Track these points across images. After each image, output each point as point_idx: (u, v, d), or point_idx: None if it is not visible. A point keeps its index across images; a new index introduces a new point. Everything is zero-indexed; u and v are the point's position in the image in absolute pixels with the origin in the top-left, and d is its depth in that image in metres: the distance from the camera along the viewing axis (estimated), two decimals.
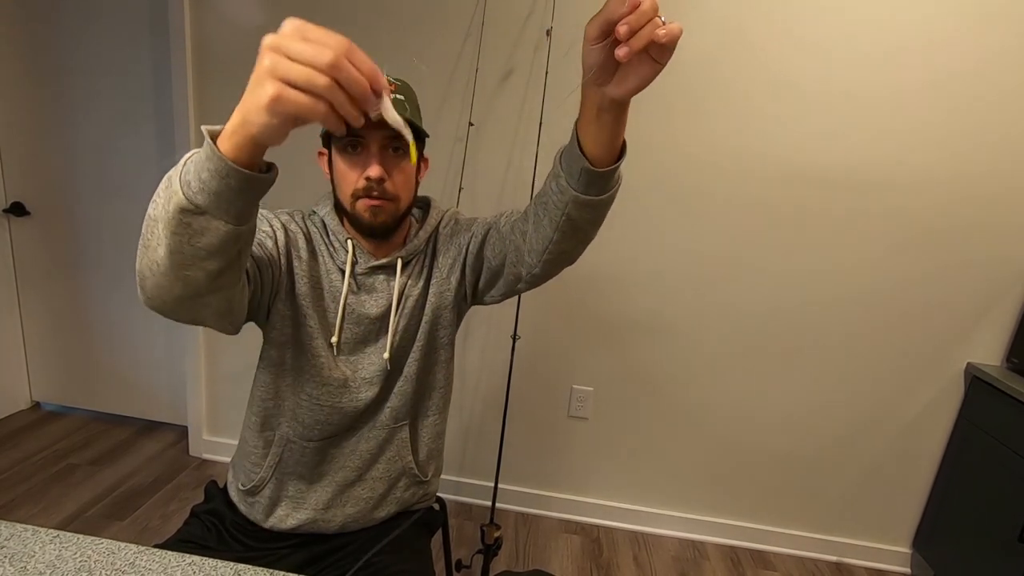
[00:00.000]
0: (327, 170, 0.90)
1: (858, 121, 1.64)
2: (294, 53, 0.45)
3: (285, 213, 0.94)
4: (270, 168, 0.57)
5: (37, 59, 2.02)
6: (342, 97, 0.46)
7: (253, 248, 0.81)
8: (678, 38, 0.51)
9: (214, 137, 0.53)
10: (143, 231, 0.59)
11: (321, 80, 0.45)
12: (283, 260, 0.87)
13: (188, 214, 0.54)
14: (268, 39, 0.46)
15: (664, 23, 0.51)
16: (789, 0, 1.58)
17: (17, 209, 2.14)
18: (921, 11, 1.55)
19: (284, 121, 0.48)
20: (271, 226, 0.88)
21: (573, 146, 0.66)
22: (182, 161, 0.56)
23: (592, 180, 0.66)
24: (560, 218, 0.72)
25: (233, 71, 1.81)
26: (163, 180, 0.57)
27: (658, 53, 0.53)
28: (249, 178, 0.54)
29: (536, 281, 0.86)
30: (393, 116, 0.51)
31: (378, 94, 0.48)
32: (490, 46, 1.69)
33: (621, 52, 0.51)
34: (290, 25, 0.46)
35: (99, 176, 2.09)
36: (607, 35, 0.53)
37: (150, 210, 0.58)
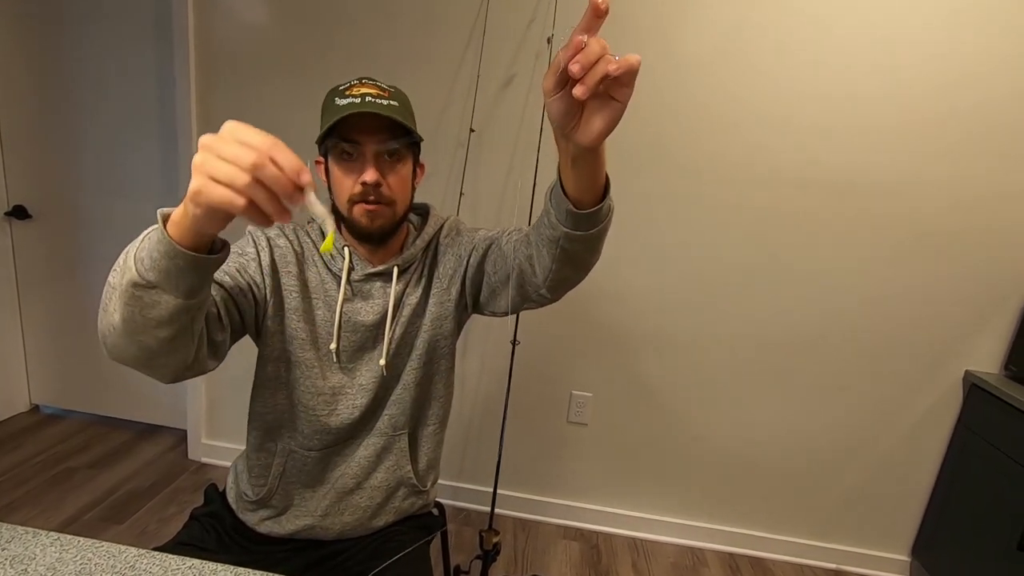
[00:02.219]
0: (324, 178, 0.91)
1: (856, 127, 1.64)
2: (223, 153, 0.49)
3: (275, 227, 0.94)
4: (223, 247, 0.62)
5: (40, 62, 2.03)
6: (263, 195, 0.50)
7: (233, 277, 0.83)
8: (635, 69, 0.50)
9: (167, 219, 0.57)
10: (103, 295, 0.63)
11: (242, 178, 0.48)
12: (268, 280, 0.88)
13: (140, 288, 0.59)
14: (204, 138, 0.50)
15: (616, 59, 0.50)
16: (791, 6, 1.59)
17: (19, 212, 2.15)
18: (922, 17, 1.56)
19: (208, 212, 0.52)
20: (255, 246, 0.89)
21: (557, 188, 0.68)
22: (141, 236, 0.60)
23: (579, 219, 0.67)
24: (556, 251, 0.73)
25: (237, 74, 1.82)
26: (123, 252, 0.61)
27: (617, 91, 0.53)
28: (196, 259, 0.58)
29: (546, 301, 0.86)
30: (316, 210, 0.54)
31: (302, 189, 0.51)
32: (491, 52, 1.70)
33: (579, 90, 0.50)
34: (226, 127, 0.50)
35: (101, 179, 2.10)
36: (563, 83, 0.53)
37: (110, 278, 0.62)
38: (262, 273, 0.87)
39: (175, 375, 0.70)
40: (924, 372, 1.79)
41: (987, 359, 1.75)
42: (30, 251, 2.23)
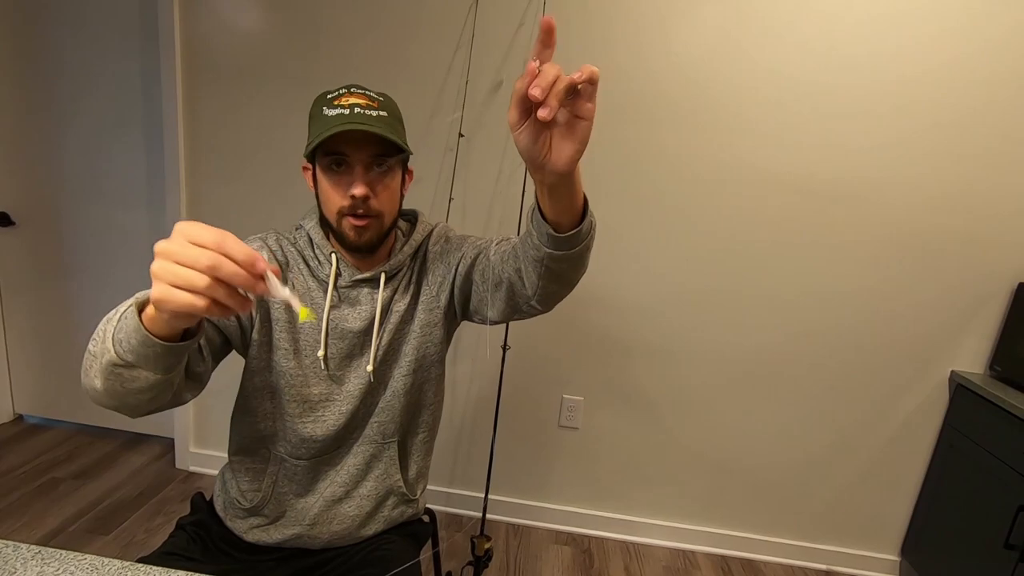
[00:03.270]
0: (312, 184, 0.90)
1: (842, 132, 1.66)
2: (179, 257, 0.50)
3: (256, 239, 0.93)
4: (199, 326, 0.64)
5: (23, 65, 2.01)
6: (223, 292, 0.51)
7: None
8: (596, 79, 0.51)
9: (142, 306, 0.60)
10: (84, 359, 0.66)
11: (200, 281, 0.49)
12: (252, 297, 0.87)
13: (119, 367, 0.62)
14: (159, 245, 0.50)
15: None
16: (779, 14, 1.61)
17: (2, 219, 2.12)
18: (909, 25, 1.58)
19: (175, 316, 0.54)
20: None
21: (536, 213, 0.68)
22: (119, 313, 0.62)
23: (560, 242, 0.68)
24: (541, 269, 0.73)
25: (223, 78, 1.81)
26: (102, 322, 0.64)
27: (580, 109, 0.53)
28: (172, 347, 0.61)
29: (537, 312, 0.86)
30: (280, 294, 0.54)
31: (260, 276, 0.52)
32: (480, 57, 1.70)
33: (543, 112, 0.50)
34: (177, 228, 0.51)
35: (86, 186, 2.08)
36: (527, 113, 0.53)
37: (90, 346, 0.65)
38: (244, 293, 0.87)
39: (151, 414, 0.73)
40: (910, 373, 1.81)
41: (972, 359, 1.78)
42: (13, 258, 2.19)
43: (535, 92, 0.49)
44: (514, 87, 0.52)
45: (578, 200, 0.65)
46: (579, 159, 0.57)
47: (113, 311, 0.64)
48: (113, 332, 0.61)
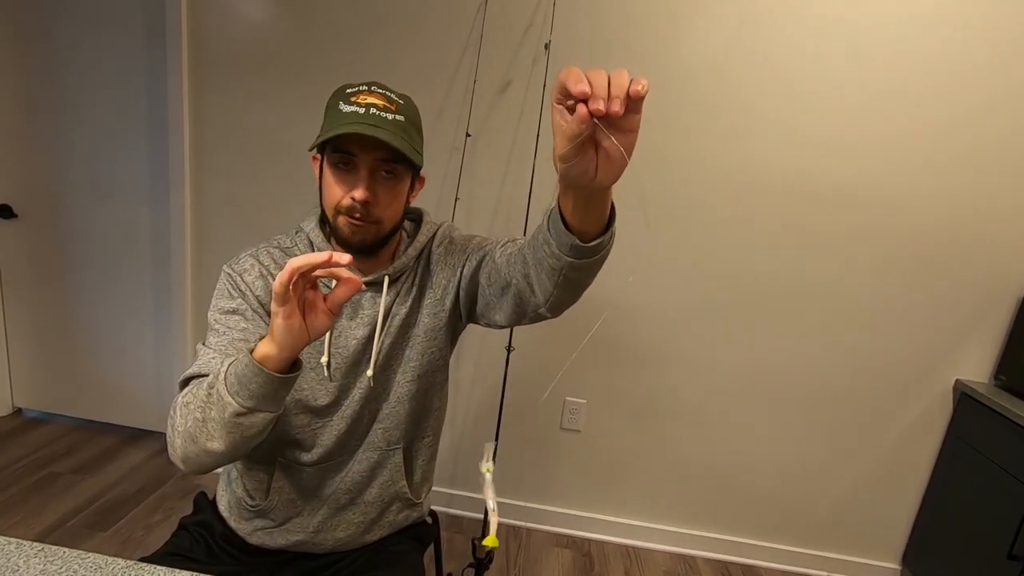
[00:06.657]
0: (317, 175, 0.88)
1: (850, 141, 1.66)
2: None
3: (248, 257, 0.90)
4: (295, 366, 0.72)
5: (28, 58, 2.00)
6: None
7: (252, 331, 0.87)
8: (646, 92, 0.49)
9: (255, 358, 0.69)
10: (178, 437, 0.74)
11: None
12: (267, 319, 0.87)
13: (241, 416, 0.69)
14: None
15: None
16: (796, 18, 1.60)
17: (4, 211, 2.11)
18: (915, 31, 1.58)
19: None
20: (242, 314, 0.86)
21: (558, 222, 0.65)
22: (223, 376, 0.70)
23: (584, 250, 0.66)
24: (558, 278, 0.71)
25: (228, 74, 1.80)
26: (203, 390, 0.72)
27: (630, 122, 0.51)
28: (287, 380, 0.69)
29: (545, 319, 0.84)
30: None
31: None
32: (489, 57, 1.70)
33: (615, 107, 0.47)
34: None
35: (90, 180, 2.07)
36: (582, 146, 0.51)
37: (179, 422, 0.74)
38: (265, 312, 0.86)
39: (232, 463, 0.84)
40: (914, 381, 1.80)
41: (977, 369, 1.77)
42: (14, 251, 2.18)
43: (598, 105, 0.46)
44: (557, 123, 0.51)
45: (608, 208, 0.63)
46: (626, 167, 0.55)
47: (185, 395, 0.74)
48: (226, 388, 0.68)
